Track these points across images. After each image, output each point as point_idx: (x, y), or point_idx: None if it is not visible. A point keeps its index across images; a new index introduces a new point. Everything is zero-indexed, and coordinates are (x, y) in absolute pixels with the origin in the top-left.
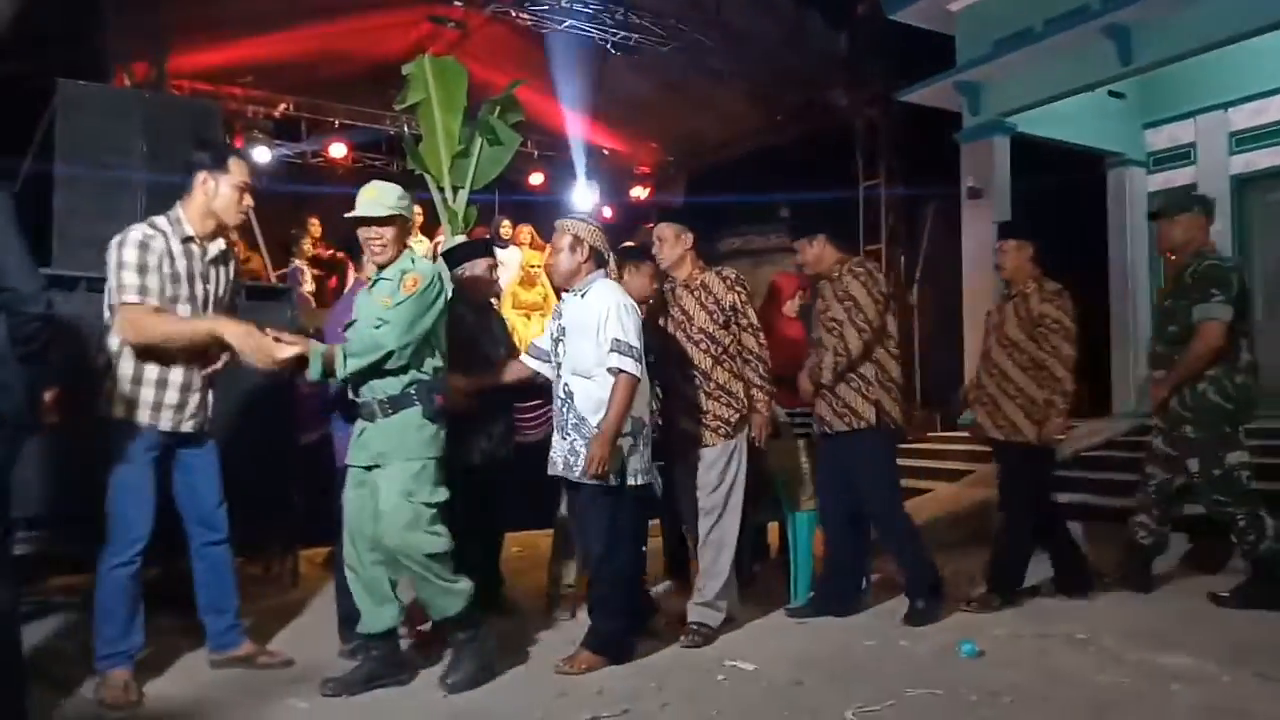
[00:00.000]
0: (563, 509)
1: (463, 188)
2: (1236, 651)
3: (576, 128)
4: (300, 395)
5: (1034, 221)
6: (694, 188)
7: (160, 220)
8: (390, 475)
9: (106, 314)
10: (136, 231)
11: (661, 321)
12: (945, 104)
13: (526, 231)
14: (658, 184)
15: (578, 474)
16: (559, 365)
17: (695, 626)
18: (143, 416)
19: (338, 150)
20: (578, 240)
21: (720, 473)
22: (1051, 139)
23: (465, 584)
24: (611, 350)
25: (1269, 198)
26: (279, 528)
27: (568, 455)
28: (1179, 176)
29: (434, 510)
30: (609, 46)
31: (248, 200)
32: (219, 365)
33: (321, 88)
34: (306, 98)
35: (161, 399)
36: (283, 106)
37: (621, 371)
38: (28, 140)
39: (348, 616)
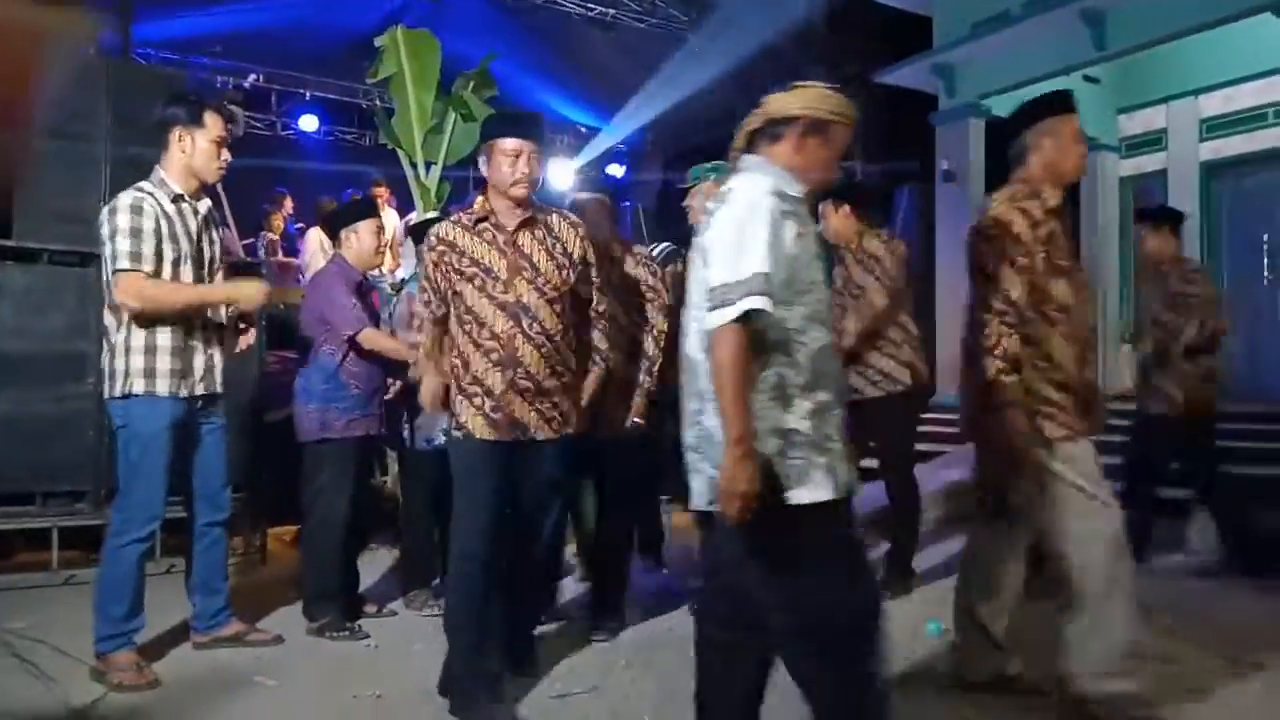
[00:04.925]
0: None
1: (436, 163)
2: (1204, 633)
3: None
4: (270, 373)
5: None
6: (671, 166)
7: (145, 184)
8: None
9: (106, 289)
10: (127, 196)
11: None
12: (922, 86)
13: None
14: (634, 162)
15: (700, 501)
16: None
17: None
18: (163, 387)
19: (309, 123)
20: None
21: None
22: None
23: None
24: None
25: (1237, 184)
26: (248, 506)
27: (690, 464)
28: (1150, 162)
29: None
30: (585, 22)
31: (225, 155)
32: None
33: (292, 59)
34: (277, 69)
35: (178, 366)
36: (252, 78)
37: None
38: None
39: (315, 594)
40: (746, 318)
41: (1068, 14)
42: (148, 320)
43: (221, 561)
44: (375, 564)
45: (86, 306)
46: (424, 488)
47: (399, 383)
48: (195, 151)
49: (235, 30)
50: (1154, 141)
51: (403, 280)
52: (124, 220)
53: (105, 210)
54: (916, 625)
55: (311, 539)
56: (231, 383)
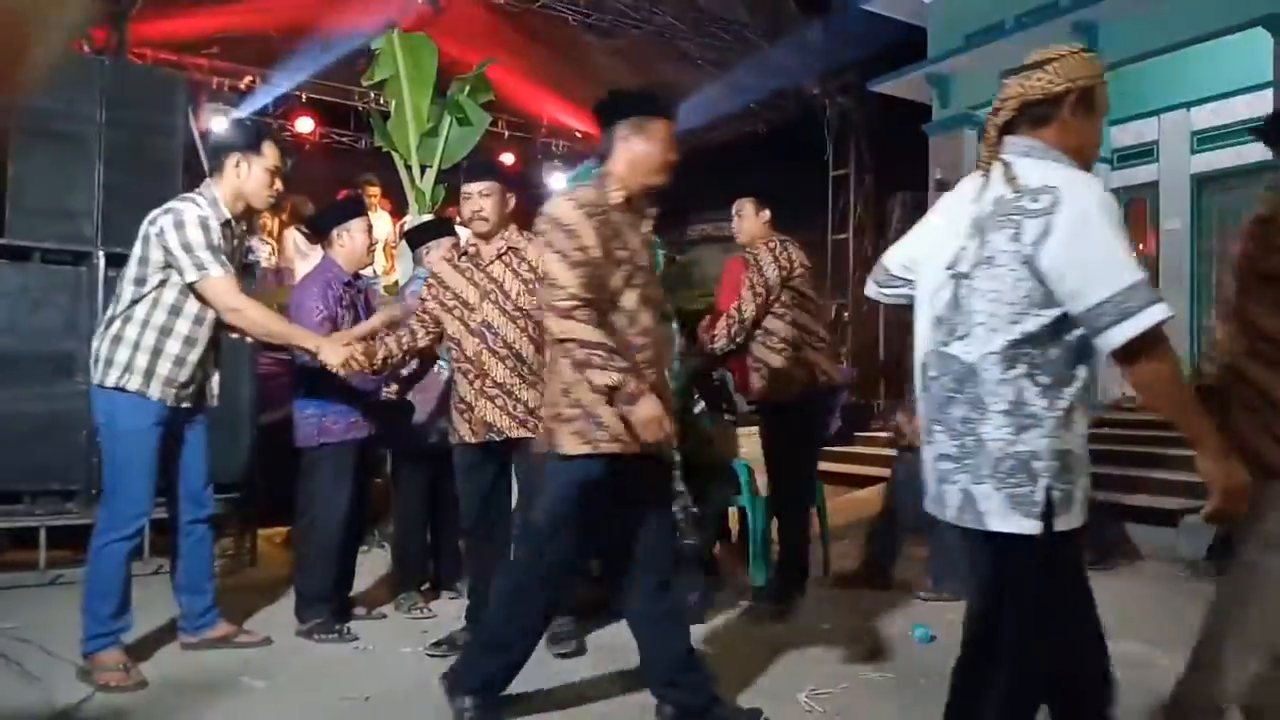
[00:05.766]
0: None
1: (430, 167)
2: (1183, 639)
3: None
4: (262, 375)
5: None
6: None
7: (200, 200)
8: None
9: (132, 288)
10: (192, 212)
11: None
12: (916, 96)
13: None
14: None
15: (950, 513)
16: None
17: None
18: (155, 390)
19: (304, 125)
20: None
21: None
22: None
23: None
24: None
25: (1227, 197)
26: (239, 507)
27: (944, 474)
28: (1141, 174)
29: None
30: (582, 28)
31: (278, 185)
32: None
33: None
34: (273, 70)
35: (175, 375)
36: (248, 79)
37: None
38: None
39: (306, 596)
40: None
41: (1060, 26)
42: (165, 326)
43: (207, 560)
44: (365, 565)
45: (78, 305)
46: (418, 489)
47: (395, 386)
48: (250, 178)
49: (232, 31)
50: (1146, 153)
51: (395, 281)
52: (197, 234)
53: (168, 220)
54: (905, 630)
55: (306, 541)
56: (225, 384)
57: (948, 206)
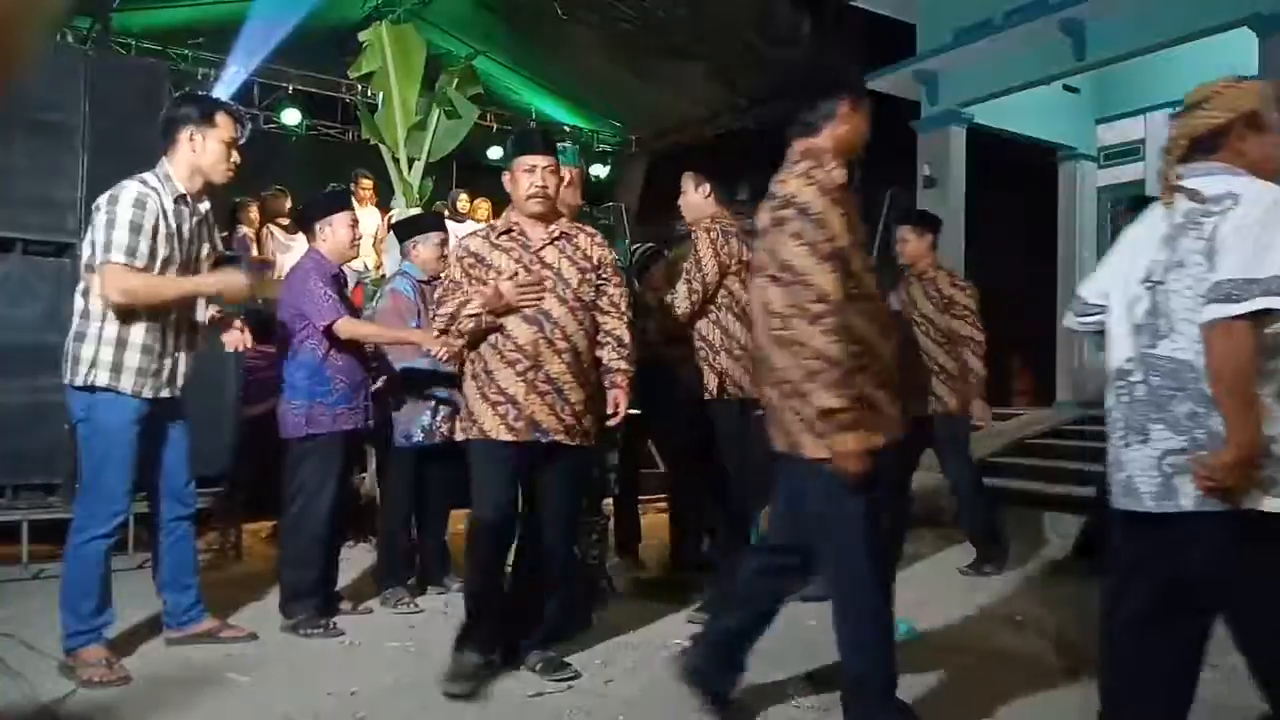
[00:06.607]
0: None
1: (419, 159)
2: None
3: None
4: (248, 368)
5: (985, 213)
6: (655, 167)
7: (150, 178)
8: None
9: (87, 275)
10: (131, 189)
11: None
12: (904, 92)
13: (485, 206)
14: (619, 163)
15: (1188, 502)
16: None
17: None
18: (126, 383)
19: (291, 117)
20: None
21: None
22: (1006, 131)
23: None
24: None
25: None
26: (224, 501)
27: (1176, 467)
28: (1128, 172)
29: None
30: (570, 21)
31: (235, 157)
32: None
33: (275, 52)
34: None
35: (145, 365)
36: (233, 70)
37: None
38: None
39: (291, 591)
40: (1256, 317)
41: (1048, 24)
42: (124, 314)
43: (190, 557)
44: (351, 561)
45: (61, 296)
46: (403, 485)
47: (385, 376)
48: (205, 152)
49: (218, 21)
50: (1132, 152)
51: (383, 275)
52: (125, 212)
53: (105, 197)
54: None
55: (291, 535)
56: (209, 377)
57: (1134, 235)
